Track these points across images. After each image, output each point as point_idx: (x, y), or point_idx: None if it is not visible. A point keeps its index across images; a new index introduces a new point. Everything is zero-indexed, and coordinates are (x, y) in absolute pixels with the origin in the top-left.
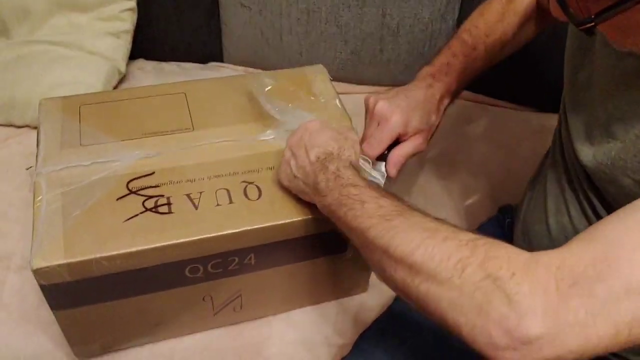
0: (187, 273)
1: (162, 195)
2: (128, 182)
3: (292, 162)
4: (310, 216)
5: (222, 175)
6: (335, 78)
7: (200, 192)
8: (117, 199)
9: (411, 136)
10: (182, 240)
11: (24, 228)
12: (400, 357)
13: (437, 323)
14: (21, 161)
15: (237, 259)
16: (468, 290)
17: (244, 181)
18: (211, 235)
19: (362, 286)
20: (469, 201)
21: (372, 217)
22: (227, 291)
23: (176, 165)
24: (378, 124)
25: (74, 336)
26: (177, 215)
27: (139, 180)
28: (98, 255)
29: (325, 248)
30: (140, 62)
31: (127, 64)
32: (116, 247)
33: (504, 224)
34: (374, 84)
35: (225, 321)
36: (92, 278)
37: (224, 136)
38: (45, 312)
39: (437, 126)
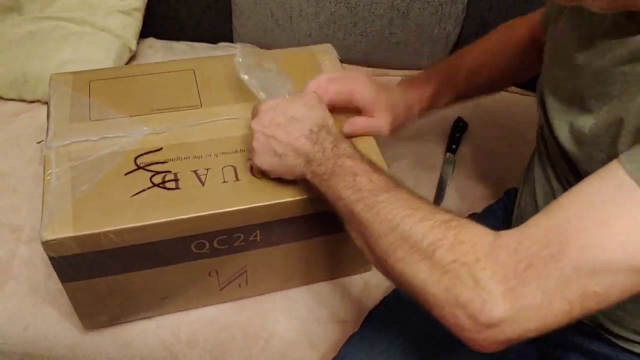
0: (193, 248)
1: (170, 172)
2: (136, 158)
3: (274, 143)
4: (308, 212)
5: (229, 153)
6: (344, 60)
7: (207, 169)
8: (125, 174)
9: (374, 114)
10: (188, 215)
11: (34, 201)
12: (410, 332)
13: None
14: (32, 136)
15: (242, 236)
16: (437, 273)
17: (250, 158)
18: (217, 211)
19: (366, 266)
20: (475, 184)
21: (361, 190)
22: (232, 267)
23: (183, 141)
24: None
25: (82, 308)
26: (184, 191)
27: (146, 155)
28: (106, 229)
29: (331, 226)
30: (151, 41)
31: (138, 43)
32: (124, 221)
33: (509, 206)
34: (382, 67)
35: (231, 296)
36: (100, 251)
37: (232, 114)
38: (54, 283)
39: (404, 125)
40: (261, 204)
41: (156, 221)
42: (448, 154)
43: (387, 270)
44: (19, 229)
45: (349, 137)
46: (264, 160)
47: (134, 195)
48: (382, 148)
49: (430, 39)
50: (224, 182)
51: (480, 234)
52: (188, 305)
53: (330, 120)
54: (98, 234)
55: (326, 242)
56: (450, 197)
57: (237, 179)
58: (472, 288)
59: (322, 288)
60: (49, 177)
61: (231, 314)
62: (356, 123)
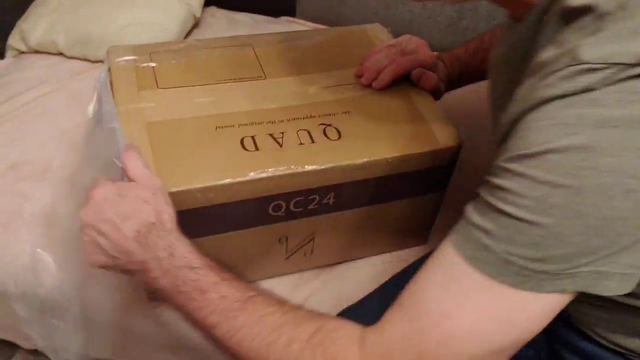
0: (270, 211)
1: (247, 135)
2: (211, 122)
3: (102, 241)
4: (392, 155)
5: (300, 118)
6: None
7: (282, 132)
8: (203, 136)
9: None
10: (271, 173)
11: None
12: None
13: None
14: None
15: (317, 198)
16: None
17: (322, 123)
18: (298, 170)
19: (424, 237)
20: None
21: (215, 311)
22: (302, 232)
23: (254, 108)
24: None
25: None
26: (263, 152)
27: (221, 119)
28: (193, 187)
29: (402, 190)
30: (213, 10)
31: (201, 11)
32: (208, 179)
33: None
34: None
35: (295, 267)
36: (181, 212)
37: (296, 85)
38: None
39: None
40: (340, 163)
41: (242, 179)
42: None
43: None
44: (79, 185)
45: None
46: (96, 260)
47: (214, 156)
48: None
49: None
50: (301, 144)
51: (346, 343)
52: (253, 277)
53: (164, 214)
54: (186, 192)
55: (396, 207)
56: None
57: (312, 141)
58: None
59: (382, 259)
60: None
61: (292, 287)
62: (431, 78)
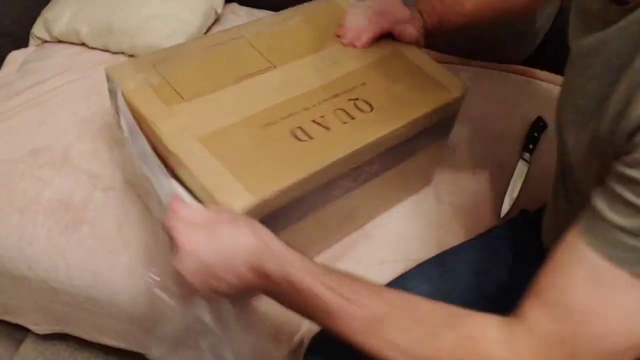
0: (333, 191)
1: (294, 126)
2: (255, 121)
3: (222, 287)
4: (423, 113)
5: (329, 99)
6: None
7: (322, 116)
8: (257, 138)
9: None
10: (338, 157)
11: (113, 149)
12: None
13: None
14: None
15: (367, 168)
16: None
17: (350, 99)
18: (358, 147)
19: (429, 179)
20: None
21: (349, 327)
22: (354, 202)
23: (284, 99)
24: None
25: None
26: (317, 139)
27: (262, 117)
28: (278, 189)
29: (423, 143)
30: (234, 7)
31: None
32: (288, 177)
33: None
34: (464, 56)
35: (341, 235)
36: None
37: (305, 67)
38: (126, 233)
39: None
40: (387, 131)
41: (316, 169)
42: (524, 153)
43: None
44: (96, 175)
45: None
46: (220, 298)
47: (278, 154)
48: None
49: (517, 33)
50: (344, 123)
51: (491, 345)
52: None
53: (263, 236)
54: (273, 196)
55: (415, 159)
56: (522, 196)
57: (352, 117)
58: None
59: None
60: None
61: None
62: (411, 34)
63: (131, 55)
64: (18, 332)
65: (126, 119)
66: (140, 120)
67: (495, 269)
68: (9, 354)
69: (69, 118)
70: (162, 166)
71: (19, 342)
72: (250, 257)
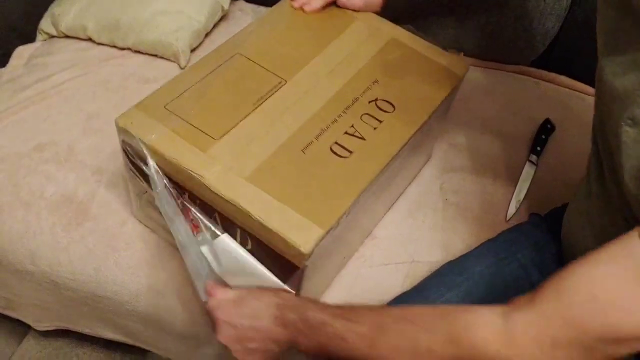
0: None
1: (330, 143)
2: (292, 146)
3: (253, 345)
4: (442, 98)
5: (351, 105)
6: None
7: (352, 126)
8: (301, 163)
9: None
10: (382, 167)
11: (116, 145)
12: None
13: None
14: (119, 82)
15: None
16: None
17: (370, 101)
18: (396, 151)
19: (430, 153)
20: (555, 188)
21: (359, 348)
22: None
23: (310, 115)
24: None
25: None
26: (357, 152)
27: (297, 139)
28: (341, 213)
29: (436, 118)
30: (241, 4)
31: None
32: (344, 200)
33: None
34: (473, 56)
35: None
36: None
37: (315, 73)
38: (129, 230)
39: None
40: (417, 126)
41: (368, 182)
42: (532, 155)
43: None
44: (100, 171)
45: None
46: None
47: (326, 177)
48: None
49: (527, 34)
50: (375, 128)
51: (492, 333)
52: None
53: (280, 291)
54: (338, 220)
55: (424, 136)
56: (528, 199)
57: (380, 121)
58: None
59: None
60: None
61: None
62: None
63: (137, 51)
64: (20, 327)
65: (157, 180)
66: (175, 172)
67: (515, 273)
68: (11, 349)
69: (75, 113)
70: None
71: (21, 338)
72: (274, 312)
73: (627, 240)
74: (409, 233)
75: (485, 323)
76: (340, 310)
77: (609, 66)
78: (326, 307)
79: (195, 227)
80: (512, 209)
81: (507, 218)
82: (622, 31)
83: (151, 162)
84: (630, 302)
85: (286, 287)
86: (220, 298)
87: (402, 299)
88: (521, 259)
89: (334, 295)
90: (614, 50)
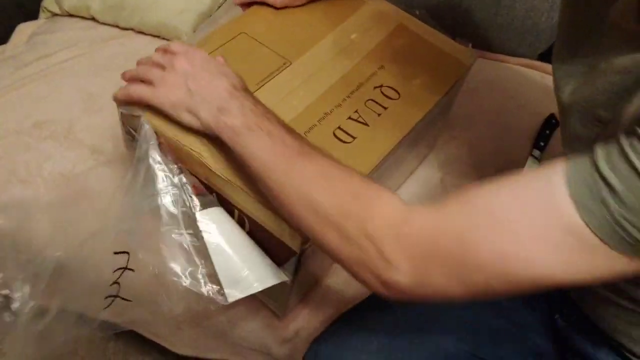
0: None
1: (334, 128)
2: (298, 127)
3: (190, 81)
4: (448, 88)
5: (355, 90)
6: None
7: (356, 111)
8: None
9: None
10: (385, 154)
11: (116, 124)
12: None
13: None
14: (121, 62)
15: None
16: (347, 244)
17: (375, 87)
18: (399, 139)
19: (435, 144)
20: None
21: (276, 153)
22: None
23: (314, 99)
24: None
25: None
26: (359, 139)
27: (301, 122)
28: None
29: (442, 107)
30: None
31: None
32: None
33: None
34: (480, 48)
35: None
36: None
37: (321, 56)
38: None
39: None
40: (423, 113)
41: (369, 170)
42: (535, 150)
43: (301, 231)
44: (99, 150)
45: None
46: (168, 93)
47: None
48: (464, 135)
49: (535, 27)
50: (379, 115)
51: (392, 210)
52: None
53: (246, 85)
54: None
55: (429, 124)
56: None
57: (384, 107)
58: (381, 261)
59: None
60: None
61: None
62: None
63: (140, 32)
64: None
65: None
66: (174, 149)
67: None
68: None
69: (75, 92)
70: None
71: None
72: (235, 82)
73: (550, 171)
74: None
75: (391, 201)
76: (284, 124)
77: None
78: (276, 117)
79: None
80: None
81: None
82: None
83: (146, 125)
84: (526, 233)
85: (282, 271)
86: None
87: None
88: None
89: (334, 283)
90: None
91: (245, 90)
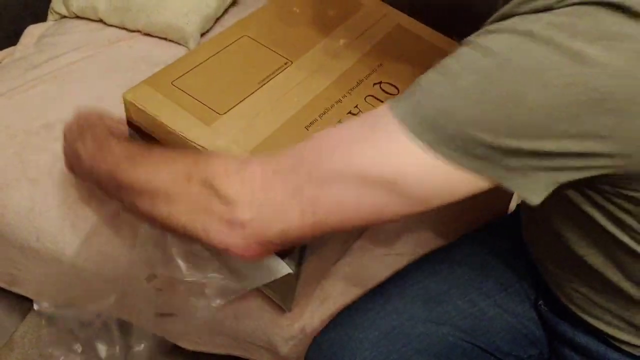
0: None
1: (333, 122)
2: (296, 123)
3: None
4: None
5: (355, 87)
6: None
7: (356, 105)
8: (303, 140)
9: None
10: None
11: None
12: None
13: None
14: (128, 64)
15: None
16: (194, 200)
17: (375, 83)
18: None
19: None
20: None
21: (119, 158)
22: None
23: (315, 94)
24: None
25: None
26: None
27: (300, 117)
28: None
29: None
30: None
31: None
32: None
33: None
34: None
35: None
36: None
37: (321, 55)
38: None
39: None
40: None
41: None
42: None
43: (158, 222)
44: None
45: None
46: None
47: None
48: None
49: None
50: None
51: (231, 160)
52: None
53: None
54: None
55: None
56: None
57: (383, 102)
58: (222, 201)
59: None
60: None
61: None
62: None
63: (147, 34)
64: (24, 303)
65: None
66: (180, 145)
67: (495, 263)
68: (14, 324)
69: (84, 93)
70: None
71: (24, 314)
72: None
73: (377, 109)
74: (410, 224)
75: (223, 162)
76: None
77: None
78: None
79: None
80: (513, 203)
81: (510, 211)
82: None
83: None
84: (352, 143)
85: (284, 263)
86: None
87: (383, 284)
88: (504, 249)
89: (335, 284)
90: None
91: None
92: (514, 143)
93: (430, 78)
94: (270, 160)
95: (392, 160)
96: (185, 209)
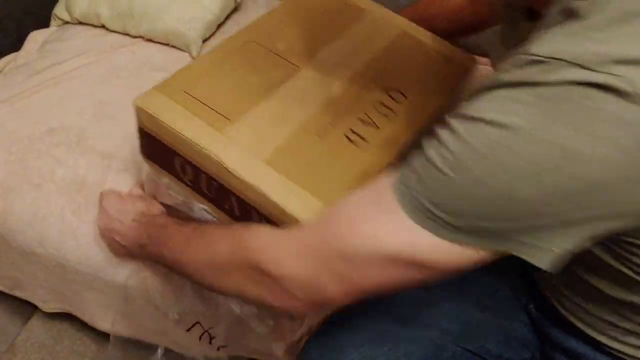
0: None
1: (345, 131)
2: (309, 131)
3: (118, 238)
4: (451, 93)
5: (362, 94)
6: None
7: (366, 113)
8: (318, 147)
9: None
10: (394, 155)
11: (127, 131)
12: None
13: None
14: (130, 70)
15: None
16: (250, 282)
17: (382, 90)
18: (407, 140)
19: None
20: None
21: (175, 241)
22: None
23: (325, 101)
24: None
25: None
26: (370, 142)
27: (313, 125)
28: None
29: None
30: None
31: None
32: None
33: None
34: None
35: None
36: None
37: (328, 60)
38: None
39: None
40: (429, 114)
41: (385, 164)
42: None
43: (223, 291)
44: (110, 156)
45: None
46: (116, 253)
47: (346, 162)
48: None
49: None
50: (386, 116)
51: (267, 239)
52: None
53: (153, 206)
54: None
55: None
56: None
57: (391, 110)
58: (277, 286)
59: None
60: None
61: None
62: None
63: (149, 40)
64: (26, 307)
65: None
66: (193, 153)
67: (484, 266)
68: (17, 328)
69: (87, 99)
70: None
71: (26, 318)
72: (136, 215)
73: (378, 179)
74: None
75: (260, 235)
76: (180, 221)
77: None
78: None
79: None
80: None
81: None
82: None
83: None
84: (361, 225)
85: None
86: (112, 191)
87: None
88: None
89: None
90: None
91: (143, 215)
92: (513, 225)
93: (425, 166)
94: (299, 237)
95: (404, 239)
96: (244, 282)
